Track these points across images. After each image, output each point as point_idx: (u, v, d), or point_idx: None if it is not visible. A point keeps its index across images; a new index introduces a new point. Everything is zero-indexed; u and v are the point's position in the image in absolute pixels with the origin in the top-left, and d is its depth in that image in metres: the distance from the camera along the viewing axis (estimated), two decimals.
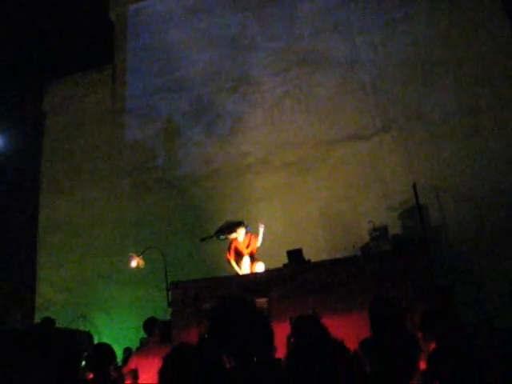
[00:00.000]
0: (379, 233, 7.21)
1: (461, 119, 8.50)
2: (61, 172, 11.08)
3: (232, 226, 6.97)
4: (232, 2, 10.65)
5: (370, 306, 2.97)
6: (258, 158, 9.65)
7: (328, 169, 9.09)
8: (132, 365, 4.46)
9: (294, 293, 5.50)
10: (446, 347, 2.46)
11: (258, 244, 6.91)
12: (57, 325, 6.70)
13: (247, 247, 6.90)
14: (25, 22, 10.95)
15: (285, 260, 6.27)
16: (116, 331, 9.19)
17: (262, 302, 5.31)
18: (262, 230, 6.88)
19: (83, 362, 3.47)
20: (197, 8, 10.92)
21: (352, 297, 5.16)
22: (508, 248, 7.33)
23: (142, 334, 5.22)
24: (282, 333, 2.76)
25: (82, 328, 8.67)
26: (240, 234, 6.91)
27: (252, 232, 6.99)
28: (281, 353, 2.16)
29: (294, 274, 5.78)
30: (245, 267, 6.76)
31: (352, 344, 2.38)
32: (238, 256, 6.88)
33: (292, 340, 2.65)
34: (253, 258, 6.85)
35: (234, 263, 6.87)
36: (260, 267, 6.73)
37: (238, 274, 6.69)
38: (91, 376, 3.46)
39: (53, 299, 10.11)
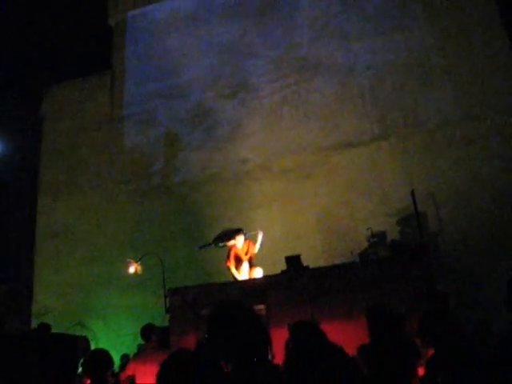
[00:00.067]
0: (377, 239, 7.23)
1: (458, 126, 8.53)
2: (59, 177, 11.07)
3: (231, 234, 6.98)
4: (231, 9, 10.71)
5: (368, 313, 2.96)
6: (257, 164, 9.66)
7: (326, 175, 9.11)
8: (129, 371, 4.44)
9: (293, 299, 5.48)
10: (444, 352, 2.45)
11: (256, 250, 6.92)
12: (53, 331, 6.67)
13: (246, 254, 6.91)
14: (24, 27, 10.98)
15: (283, 266, 6.26)
16: (113, 338, 9.15)
17: (260, 308, 5.30)
18: (260, 237, 6.89)
19: (80, 368, 3.45)
20: (196, 15, 10.98)
21: (350, 303, 5.15)
22: (505, 255, 7.34)
23: (140, 340, 5.20)
24: (280, 339, 2.75)
25: (79, 334, 8.63)
26: (239, 241, 6.91)
27: (250, 239, 6.99)
28: (279, 359, 2.15)
29: (293, 279, 5.76)
30: (244, 273, 6.76)
31: (351, 349, 2.38)
32: (238, 262, 6.88)
33: (290, 345, 2.64)
34: (251, 264, 6.85)
35: (234, 270, 6.87)
36: (258, 273, 6.73)
37: (236, 280, 6.68)
38: (88, 382, 3.44)
39: (50, 305, 10.06)
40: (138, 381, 4.32)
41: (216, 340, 1.85)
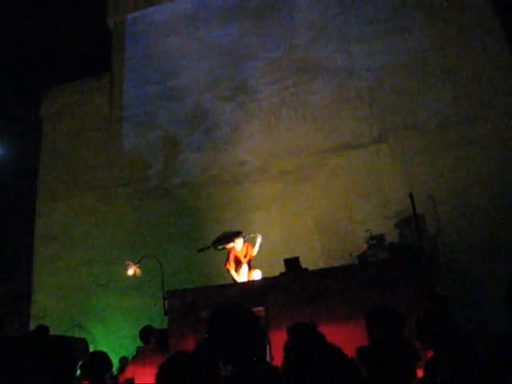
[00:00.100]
0: (376, 241, 7.23)
1: (457, 128, 8.55)
2: (58, 179, 11.07)
3: (230, 236, 6.97)
4: (230, 11, 10.74)
5: (366, 315, 2.96)
6: (256, 166, 9.67)
7: (325, 177, 9.11)
8: (128, 374, 4.43)
9: (292, 301, 5.47)
10: (443, 354, 2.45)
11: (255, 253, 6.92)
12: (52, 333, 6.65)
13: (245, 256, 6.91)
14: (24, 30, 10.99)
15: (282, 268, 6.26)
16: (112, 340, 9.13)
17: (259, 310, 5.29)
18: (259, 239, 6.90)
19: (78, 371, 3.44)
20: (195, 17, 11.00)
21: (349, 305, 5.15)
22: (505, 255, 7.34)
23: (138, 342, 5.19)
24: (279, 341, 2.75)
25: (77, 336, 8.61)
26: (238, 244, 6.91)
27: (249, 241, 6.99)
28: (278, 361, 2.15)
29: (292, 282, 5.76)
30: (243, 275, 6.76)
31: (350, 351, 2.37)
32: (237, 265, 6.88)
33: (289, 346, 2.64)
34: (250, 267, 6.85)
35: (233, 272, 6.86)
36: (257, 275, 6.73)
37: (235, 282, 6.68)
38: None
39: (49, 308, 10.04)
40: (136, 383, 4.31)
41: (215, 342, 1.85)
